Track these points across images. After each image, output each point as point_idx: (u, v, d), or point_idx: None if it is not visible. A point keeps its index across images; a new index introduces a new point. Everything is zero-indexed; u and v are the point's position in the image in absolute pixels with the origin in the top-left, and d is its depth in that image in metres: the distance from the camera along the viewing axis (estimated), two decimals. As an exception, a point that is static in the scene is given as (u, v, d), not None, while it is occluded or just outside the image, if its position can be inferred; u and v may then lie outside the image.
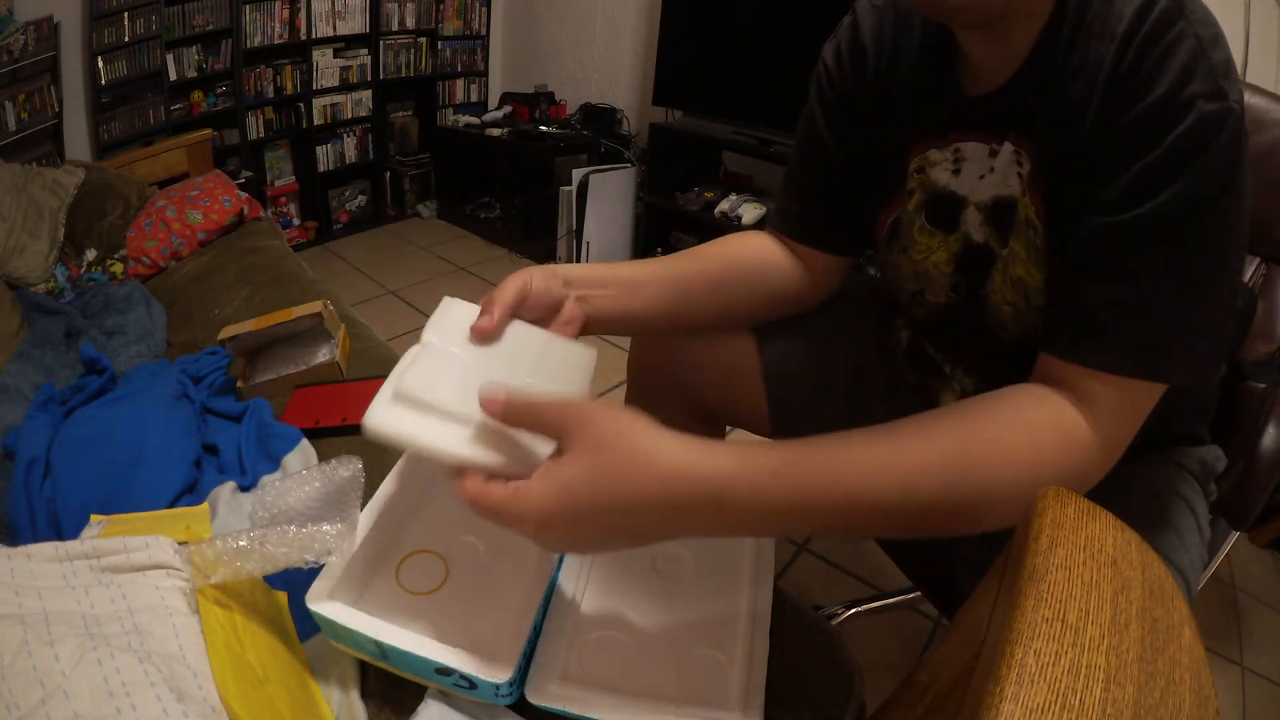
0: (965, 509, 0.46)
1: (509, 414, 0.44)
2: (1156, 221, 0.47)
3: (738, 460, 0.43)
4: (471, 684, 0.48)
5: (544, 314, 0.61)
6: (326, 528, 0.52)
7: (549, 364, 0.55)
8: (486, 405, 0.44)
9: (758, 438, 0.85)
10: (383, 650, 0.50)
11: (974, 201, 0.61)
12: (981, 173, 0.60)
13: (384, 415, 0.45)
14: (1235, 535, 0.80)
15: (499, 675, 0.47)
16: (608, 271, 0.67)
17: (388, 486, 0.62)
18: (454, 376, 0.49)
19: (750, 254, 0.74)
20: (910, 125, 0.64)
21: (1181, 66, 0.45)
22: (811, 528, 0.46)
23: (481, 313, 0.54)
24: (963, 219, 0.62)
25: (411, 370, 0.48)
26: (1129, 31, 0.47)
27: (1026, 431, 0.48)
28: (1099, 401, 0.49)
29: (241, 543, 0.51)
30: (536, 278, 0.59)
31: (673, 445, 0.43)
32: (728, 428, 0.93)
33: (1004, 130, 0.57)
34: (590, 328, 0.65)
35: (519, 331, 0.57)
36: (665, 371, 0.81)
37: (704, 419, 0.84)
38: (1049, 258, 0.55)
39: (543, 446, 0.45)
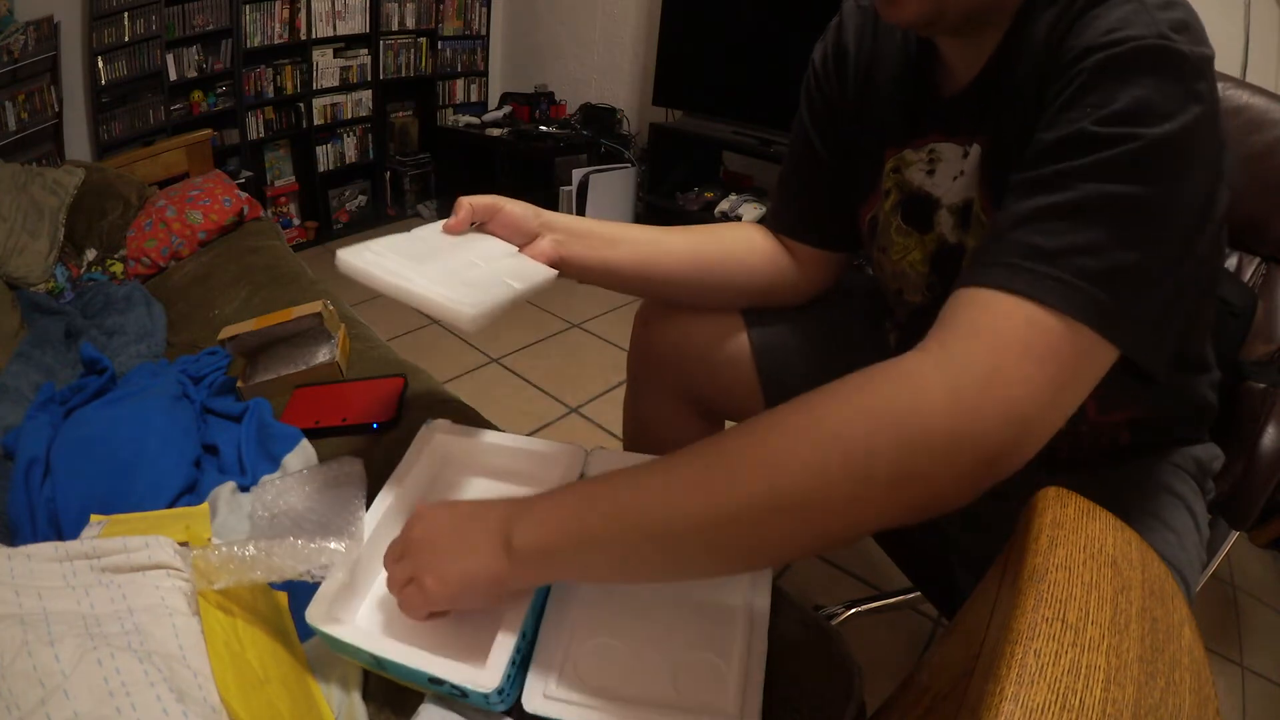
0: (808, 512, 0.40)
1: None
2: (1083, 137, 0.41)
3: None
4: (463, 693, 0.49)
5: (513, 238, 0.65)
6: (334, 545, 0.53)
7: (505, 265, 0.63)
8: None
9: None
10: (380, 662, 0.51)
11: (946, 203, 0.61)
12: (954, 174, 0.60)
13: (353, 255, 0.56)
14: (1235, 535, 0.80)
15: (486, 685, 0.48)
16: (590, 224, 0.70)
17: (385, 498, 0.62)
18: (416, 248, 0.61)
19: (739, 238, 0.76)
20: (888, 125, 0.64)
21: (1116, 19, 0.42)
22: (600, 545, 0.46)
23: (453, 212, 0.63)
24: (936, 219, 0.62)
25: (385, 238, 0.60)
26: (1066, 4, 0.47)
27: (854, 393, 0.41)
28: (1001, 326, 0.39)
29: (248, 551, 0.51)
30: (514, 204, 0.65)
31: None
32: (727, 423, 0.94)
33: (975, 132, 0.57)
34: (566, 271, 0.68)
35: (491, 241, 0.65)
36: (665, 369, 0.82)
37: (703, 415, 0.85)
38: None
39: (474, 293, 0.55)
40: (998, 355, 0.38)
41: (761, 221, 0.79)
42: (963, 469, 0.38)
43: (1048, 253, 0.39)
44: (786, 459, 0.39)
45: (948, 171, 0.60)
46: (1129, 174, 0.40)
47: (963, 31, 0.53)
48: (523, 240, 0.66)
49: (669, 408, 0.84)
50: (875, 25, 0.65)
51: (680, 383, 0.82)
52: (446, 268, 0.59)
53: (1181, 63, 0.40)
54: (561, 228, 0.68)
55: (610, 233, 0.70)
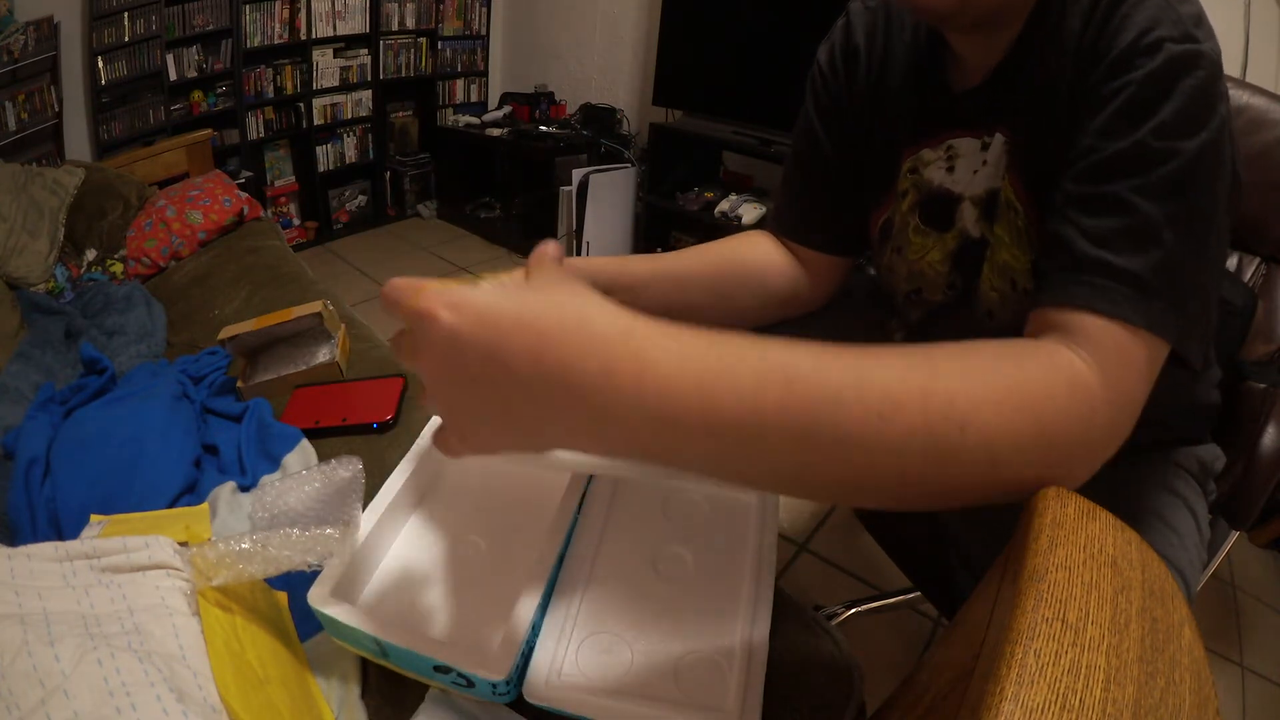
0: (951, 453, 0.35)
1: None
2: (1137, 155, 0.45)
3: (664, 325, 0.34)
4: (469, 682, 0.48)
5: None
6: (329, 530, 0.52)
7: None
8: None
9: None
10: (382, 648, 0.50)
11: (968, 196, 0.61)
12: (974, 168, 0.60)
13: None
14: (1235, 535, 0.80)
15: (495, 674, 0.47)
16: (613, 271, 0.66)
17: (390, 486, 0.62)
18: None
19: (752, 255, 0.75)
20: (902, 125, 0.64)
21: (1147, 18, 0.45)
22: (732, 443, 0.33)
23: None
24: (958, 215, 0.62)
25: None
26: (1094, 1, 0.48)
27: (1017, 368, 0.39)
28: (1099, 342, 0.42)
29: (244, 545, 0.51)
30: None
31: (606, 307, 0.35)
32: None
33: (994, 123, 0.57)
34: None
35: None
36: None
37: None
38: (1032, 238, 0.56)
39: None
40: (1137, 381, 0.43)
41: (763, 223, 0.79)
42: (1083, 470, 0.41)
43: (1147, 283, 0.44)
44: (971, 412, 0.35)
45: (967, 166, 0.61)
46: (1185, 194, 0.44)
47: (981, 27, 0.54)
48: None
49: None
50: (886, 25, 0.65)
51: None
52: None
53: (1210, 67, 0.44)
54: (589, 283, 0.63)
55: (633, 279, 0.66)
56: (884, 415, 0.34)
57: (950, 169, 0.62)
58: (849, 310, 0.80)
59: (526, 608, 0.52)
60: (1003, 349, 0.40)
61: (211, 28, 2.48)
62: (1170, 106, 0.44)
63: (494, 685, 0.48)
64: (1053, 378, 0.39)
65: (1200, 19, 0.46)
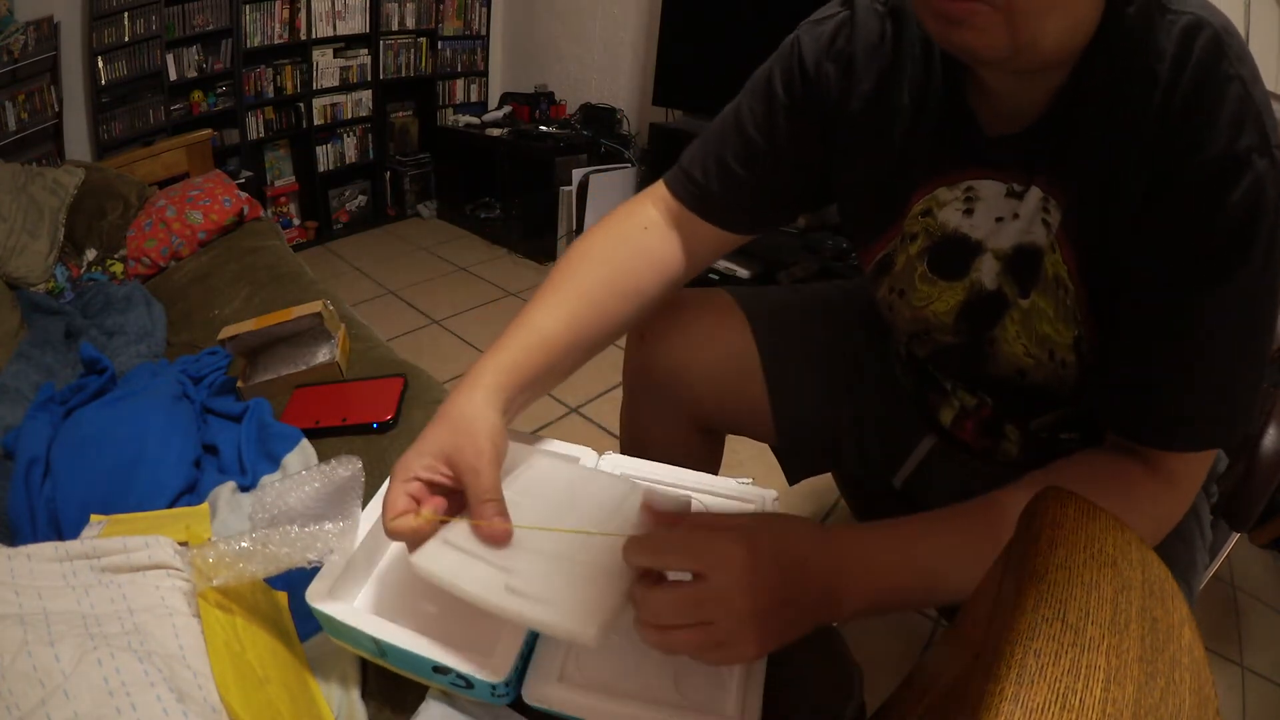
0: None
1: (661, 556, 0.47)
2: (1227, 299, 0.46)
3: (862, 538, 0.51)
4: (468, 683, 0.48)
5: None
6: (328, 526, 0.52)
7: (586, 503, 0.56)
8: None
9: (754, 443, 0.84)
10: (381, 648, 0.50)
11: (992, 248, 0.56)
12: (999, 215, 0.55)
13: (429, 557, 0.49)
14: (1236, 536, 0.80)
15: (495, 675, 0.47)
16: (527, 370, 0.59)
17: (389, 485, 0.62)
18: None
19: (640, 286, 0.67)
20: (915, 159, 0.58)
21: (1230, 117, 0.43)
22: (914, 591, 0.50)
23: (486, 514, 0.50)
24: (975, 265, 0.58)
25: (462, 522, 0.51)
26: (1172, 78, 0.45)
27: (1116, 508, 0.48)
28: (1179, 469, 0.52)
29: (243, 544, 0.50)
30: (498, 444, 0.53)
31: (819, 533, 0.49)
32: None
33: (1030, 173, 0.53)
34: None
35: (548, 470, 0.59)
36: (666, 387, 0.79)
37: (705, 430, 0.83)
38: (1081, 315, 0.53)
39: (598, 602, 0.46)
40: (1201, 479, 0.54)
41: (670, 183, 0.72)
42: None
43: (1225, 414, 0.51)
44: None
45: (989, 212, 0.56)
46: (1264, 316, 0.48)
47: (1026, 72, 0.49)
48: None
49: (669, 423, 0.81)
50: (897, 37, 0.57)
51: (682, 403, 0.79)
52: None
53: (1278, 175, 0.44)
54: (511, 404, 0.57)
55: (545, 372, 0.60)
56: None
57: (968, 211, 0.57)
58: (851, 315, 0.79)
59: None
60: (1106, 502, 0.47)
61: (211, 28, 2.48)
62: (1257, 238, 0.44)
63: (493, 687, 0.48)
64: (1148, 526, 0.50)
65: (1268, 102, 0.44)
